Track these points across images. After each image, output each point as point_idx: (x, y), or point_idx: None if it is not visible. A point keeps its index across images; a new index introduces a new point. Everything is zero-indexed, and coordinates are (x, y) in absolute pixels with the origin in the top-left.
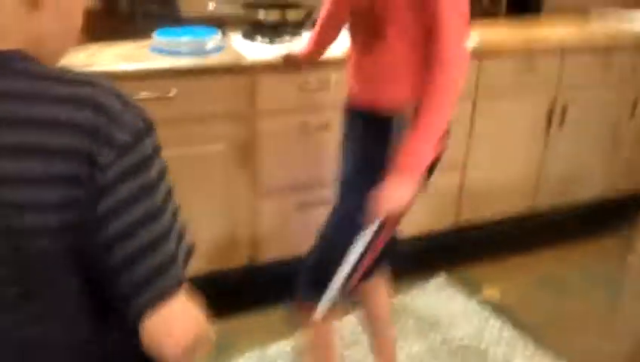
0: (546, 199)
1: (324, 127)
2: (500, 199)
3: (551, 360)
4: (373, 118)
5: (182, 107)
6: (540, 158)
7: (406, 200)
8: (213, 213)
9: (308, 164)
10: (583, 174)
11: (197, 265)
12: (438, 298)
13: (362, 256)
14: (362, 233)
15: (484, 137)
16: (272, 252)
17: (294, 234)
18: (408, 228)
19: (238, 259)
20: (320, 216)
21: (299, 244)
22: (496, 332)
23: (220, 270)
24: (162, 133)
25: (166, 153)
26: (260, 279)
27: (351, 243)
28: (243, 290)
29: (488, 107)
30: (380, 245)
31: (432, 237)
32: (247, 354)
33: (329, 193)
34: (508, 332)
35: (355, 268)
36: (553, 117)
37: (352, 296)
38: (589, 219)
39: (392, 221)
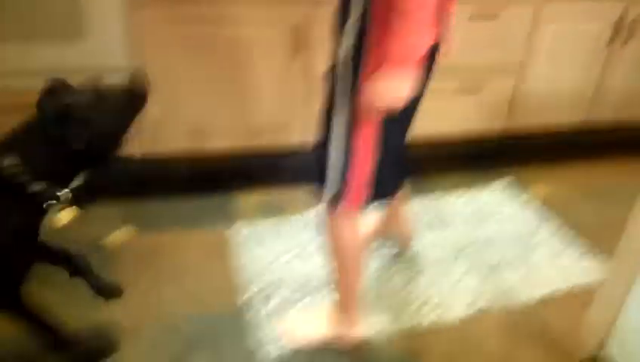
0: (601, 115)
1: None
2: (553, 109)
3: (598, 262)
4: None
5: None
6: (599, 72)
7: (402, 93)
8: None
9: None
10: None
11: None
12: (491, 202)
13: (345, 148)
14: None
15: (546, 43)
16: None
17: None
18: (456, 129)
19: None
20: None
21: None
22: (547, 234)
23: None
24: None
25: None
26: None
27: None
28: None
29: (554, 11)
30: (363, 139)
31: (480, 141)
32: (292, 219)
33: None
34: (560, 236)
35: (342, 160)
36: (620, 31)
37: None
38: None
39: (369, 114)
